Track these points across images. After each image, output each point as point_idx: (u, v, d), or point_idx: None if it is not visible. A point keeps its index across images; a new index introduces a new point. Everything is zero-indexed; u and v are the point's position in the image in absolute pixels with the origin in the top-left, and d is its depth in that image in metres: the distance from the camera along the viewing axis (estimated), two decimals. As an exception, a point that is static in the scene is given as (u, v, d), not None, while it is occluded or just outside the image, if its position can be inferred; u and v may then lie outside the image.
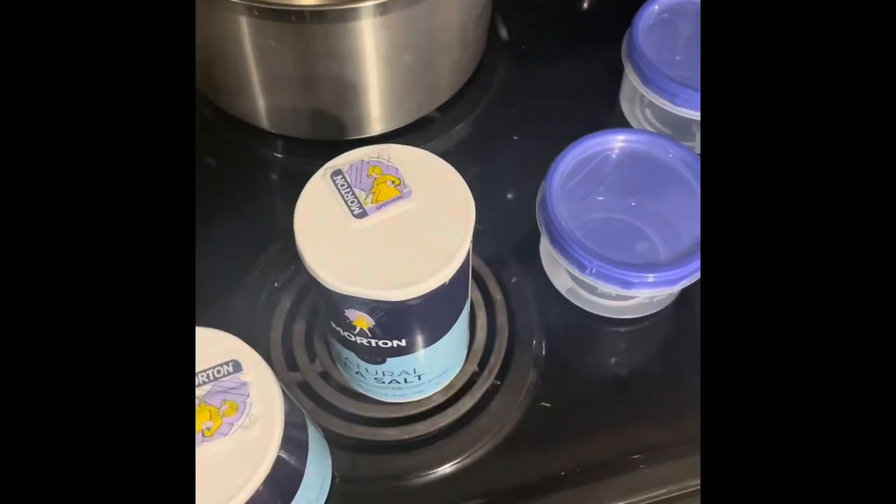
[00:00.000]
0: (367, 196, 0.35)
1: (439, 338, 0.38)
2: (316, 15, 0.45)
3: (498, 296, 0.48)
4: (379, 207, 0.34)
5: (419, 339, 0.37)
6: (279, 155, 0.56)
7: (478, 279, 0.48)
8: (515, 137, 0.56)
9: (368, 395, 0.43)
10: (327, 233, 0.34)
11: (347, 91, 0.50)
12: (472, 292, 0.47)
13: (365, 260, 0.33)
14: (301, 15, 0.45)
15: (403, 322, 0.35)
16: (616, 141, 0.48)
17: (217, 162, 0.55)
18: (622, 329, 0.48)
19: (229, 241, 0.52)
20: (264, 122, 0.53)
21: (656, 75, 0.50)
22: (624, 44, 0.53)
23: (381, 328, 0.35)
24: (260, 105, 0.52)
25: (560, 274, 0.48)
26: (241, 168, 0.56)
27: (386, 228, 0.34)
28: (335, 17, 0.45)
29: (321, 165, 0.55)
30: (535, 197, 0.47)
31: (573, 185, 0.47)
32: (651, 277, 0.43)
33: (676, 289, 0.44)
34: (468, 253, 0.35)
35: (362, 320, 0.35)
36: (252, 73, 0.49)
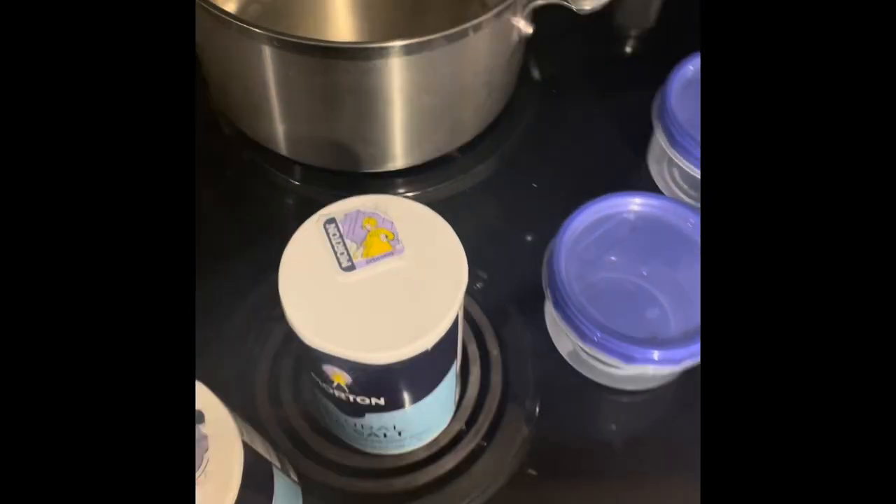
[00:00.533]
0: (359, 248, 0.33)
1: (422, 398, 0.36)
2: (339, 52, 0.44)
3: (495, 351, 0.46)
4: (369, 262, 0.33)
5: (400, 398, 0.36)
6: (296, 182, 0.55)
7: (476, 331, 0.47)
8: (535, 185, 0.55)
9: (348, 442, 0.42)
10: (312, 283, 0.33)
11: (366, 126, 0.49)
12: (469, 345, 0.46)
13: (347, 317, 0.32)
14: (325, 51, 0.44)
15: (383, 383, 0.34)
16: (634, 204, 0.46)
17: (232, 183, 0.55)
18: (623, 399, 0.46)
19: (231, 266, 0.51)
20: (282, 148, 0.53)
21: (685, 138, 0.48)
22: (655, 101, 0.52)
23: (360, 386, 0.34)
24: (278, 131, 0.51)
25: (563, 335, 0.47)
26: (256, 191, 0.55)
27: (373, 285, 0.33)
28: (357, 55, 0.44)
29: (336, 195, 0.55)
30: (546, 248, 0.45)
31: (585, 246, 0.45)
32: (656, 354, 0.41)
33: (680, 368, 0.42)
34: (456, 318, 0.34)
35: (340, 377, 0.33)
36: (272, 100, 0.48)
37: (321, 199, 0.56)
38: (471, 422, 0.44)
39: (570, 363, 0.46)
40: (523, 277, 0.49)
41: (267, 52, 0.45)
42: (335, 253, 0.33)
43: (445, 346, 0.34)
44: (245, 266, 0.51)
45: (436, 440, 0.43)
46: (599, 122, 0.58)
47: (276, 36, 0.43)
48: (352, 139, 0.50)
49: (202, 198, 0.53)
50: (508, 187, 0.56)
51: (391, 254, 0.33)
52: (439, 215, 0.35)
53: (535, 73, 0.61)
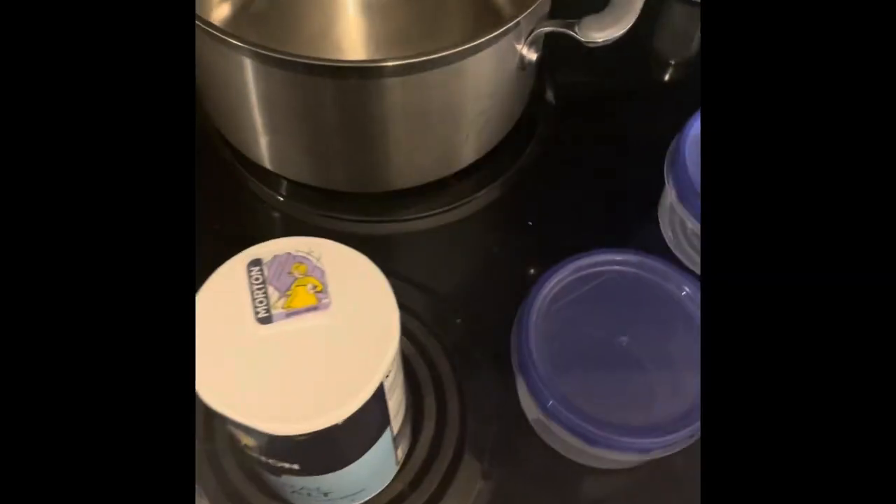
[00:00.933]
0: (281, 298, 0.30)
1: (344, 466, 0.33)
2: (321, 69, 0.40)
3: (453, 403, 0.42)
4: (289, 315, 0.29)
5: (316, 466, 0.32)
6: (280, 197, 0.52)
7: (437, 381, 0.43)
8: (530, 223, 0.51)
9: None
10: (220, 333, 0.29)
11: (350, 145, 0.46)
12: (426, 397, 0.42)
13: (251, 377, 0.28)
14: (308, 67, 0.40)
15: (293, 451, 0.30)
16: (625, 263, 0.41)
17: (213, 193, 0.52)
18: (590, 476, 0.42)
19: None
20: (266, 161, 0.50)
21: (692, 194, 0.43)
22: (669, 150, 0.47)
23: (269, 451, 0.30)
24: (262, 144, 0.48)
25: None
26: (238, 203, 0.52)
27: (288, 343, 0.29)
28: (340, 74, 0.41)
29: (321, 214, 0.51)
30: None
31: (566, 303, 0.41)
32: (620, 439, 0.36)
33: (648, 458, 0.37)
34: (381, 388, 0.30)
35: (248, 440, 0.30)
36: (254, 113, 0.45)
37: (305, 217, 0.54)
38: (415, 483, 0.40)
39: (537, 431, 0.42)
40: (500, 326, 0.45)
41: (248, 64, 0.42)
42: (253, 301, 0.30)
43: (367, 417, 0.30)
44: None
45: (374, 499, 0.39)
46: (614, 161, 0.54)
47: (256, 50, 0.40)
48: (336, 158, 0.47)
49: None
50: (501, 222, 0.52)
51: (315, 308, 0.30)
52: (380, 270, 0.31)
53: (550, 97, 0.57)
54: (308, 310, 0.30)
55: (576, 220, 0.51)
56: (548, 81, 0.58)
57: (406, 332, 0.44)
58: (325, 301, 0.30)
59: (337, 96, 0.42)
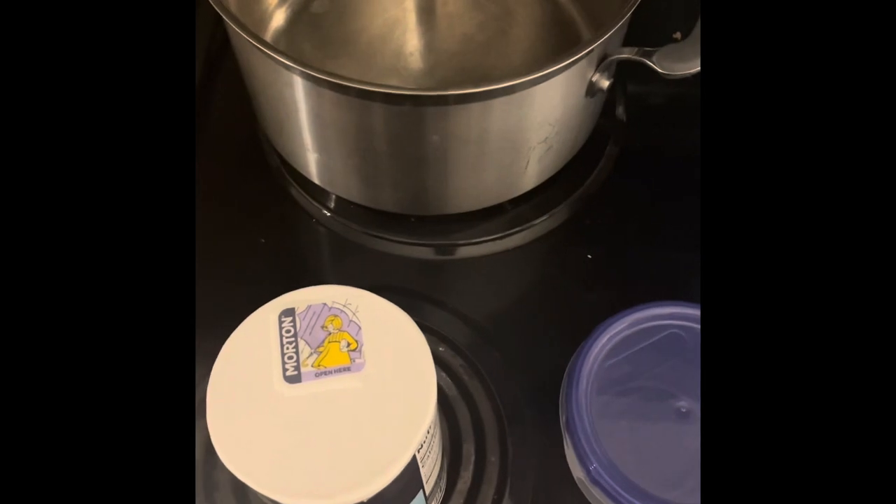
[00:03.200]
0: (311, 355, 0.28)
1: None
2: (374, 95, 0.38)
3: (493, 458, 0.40)
4: (319, 375, 0.27)
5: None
6: (327, 213, 0.50)
7: (477, 427, 0.40)
8: (589, 256, 0.47)
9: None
10: (246, 390, 0.27)
11: (400, 169, 0.43)
12: (465, 443, 0.40)
13: (276, 441, 0.26)
14: (361, 92, 0.38)
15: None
16: (691, 318, 0.38)
17: (258, 204, 0.50)
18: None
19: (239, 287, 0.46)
20: (314, 176, 0.48)
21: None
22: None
23: (290, 514, 0.29)
24: (311, 160, 0.46)
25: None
26: (285, 215, 0.50)
27: (318, 405, 0.27)
28: (394, 100, 0.38)
29: (368, 233, 0.48)
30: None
31: (620, 360, 0.38)
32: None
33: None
34: (413, 460, 0.27)
35: (267, 500, 0.28)
36: (304, 129, 0.43)
37: (352, 235, 0.51)
38: (447, 540, 0.38)
39: (581, 491, 0.39)
40: (550, 370, 0.42)
41: (298, 82, 0.39)
42: (283, 355, 0.28)
43: (397, 487, 0.28)
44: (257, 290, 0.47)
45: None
46: (688, 200, 0.50)
47: (307, 71, 0.37)
48: (386, 180, 0.44)
49: (224, 215, 0.49)
50: (557, 254, 0.48)
51: (348, 369, 0.27)
52: (419, 330, 0.29)
53: (620, 110, 0.53)
54: (340, 370, 0.27)
55: (638, 260, 0.47)
56: (617, 99, 0.54)
57: (447, 368, 0.42)
58: (358, 361, 0.28)
59: (389, 120, 0.39)
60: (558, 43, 0.53)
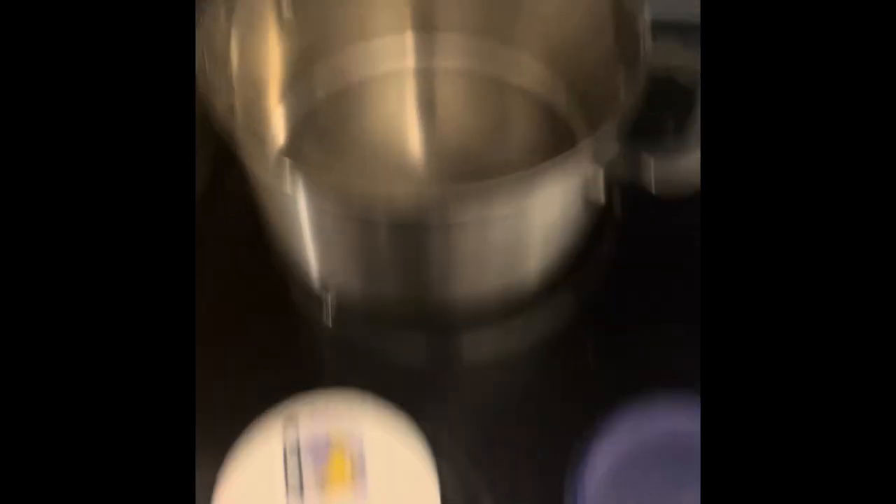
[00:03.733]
0: (314, 474, 0.27)
1: None
2: (378, 210, 0.39)
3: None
4: (321, 494, 0.27)
5: None
6: (328, 313, 0.49)
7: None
8: (590, 359, 0.47)
9: None
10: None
11: (406, 273, 0.44)
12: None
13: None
14: (363, 209, 0.39)
15: None
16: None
17: (260, 295, 0.51)
18: None
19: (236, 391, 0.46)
20: (314, 278, 0.48)
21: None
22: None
23: None
24: (310, 260, 0.47)
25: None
26: (284, 315, 0.50)
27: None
28: (400, 216, 0.39)
29: (372, 329, 0.46)
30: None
31: (621, 480, 0.37)
32: None
33: None
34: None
35: None
36: (304, 234, 0.44)
37: (354, 337, 0.50)
38: None
39: None
40: (547, 493, 0.40)
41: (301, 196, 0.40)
42: (286, 472, 0.27)
43: None
44: (259, 392, 0.46)
45: None
46: (687, 294, 0.48)
47: (303, 178, 0.38)
48: (387, 284, 0.45)
49: (224, 314, 0.49)
50: (558, 360, 0.48)
51: (351, 495, 0.27)
52: (426, 456, 0.28)
53: (617, 207, 0.53)
54: (341, 495, 0.27)
55: (641, 363, 0.47)
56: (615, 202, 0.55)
57: (450, 477, 0.41)
58: (361, 488, 0.27)
59: (390, 233, 0.40)
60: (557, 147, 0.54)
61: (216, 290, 0.49)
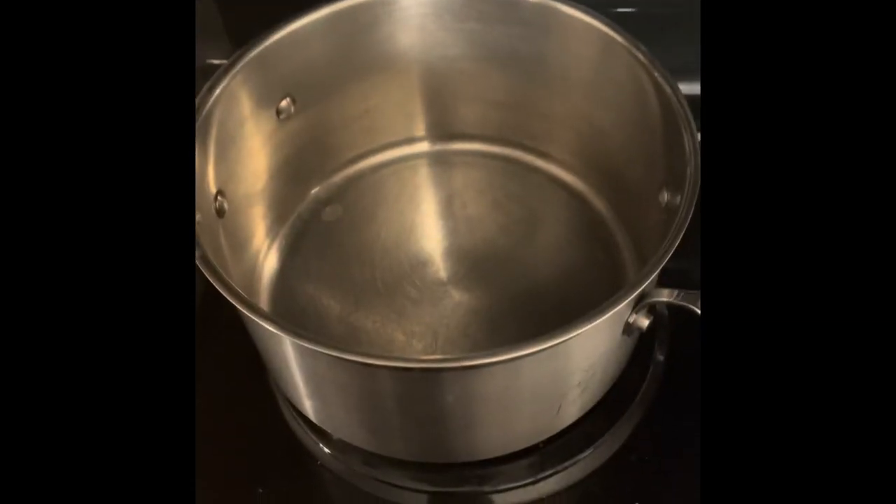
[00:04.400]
0: None
1: None
2: (374, 367, 0.33)
3: None
4: None
5: None
6: (326, 450, 0.44)
7: None
8: (638, 502, 0.41)
9: None
10: None
11: (409, 426, 0.38)
12: None
13: None
14: (360, 364, 0.33)
15: None
16: None
17: (251, 434, 0.45)
18: None
19: None
20: (312, 416, 0.42)
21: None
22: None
23: None
24: (307, 405, 0.41)
25: None
26: (282, 451, 0.44)
27: None
28: (398, 372, 0.33)
29: (372, 474, 0.41)
30: None
31: None
32: None
33: None
34: None
35: None
36: (299, 382, 0.38)
37: (357, 479, 0.43)
38: None
39: None
40: None
41: (291, 346, 0.35)
42: None
43: None
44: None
45: None
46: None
47: (300, 342, 0.32)
48: (395, 433, 0.39)
49: (220, 449, 0.44)
50: (599, 501, 0.42)
51: None
52: None
53: (660, 356, 0.47)
54: None
55: (690, 499, 0.41)
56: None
57: None
58: None
59: (396, 384, 0.34)
60: (588, 246, 0.48)
61: (212, 415, 0.45)
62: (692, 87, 0.44)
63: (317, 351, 0.32)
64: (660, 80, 0.40)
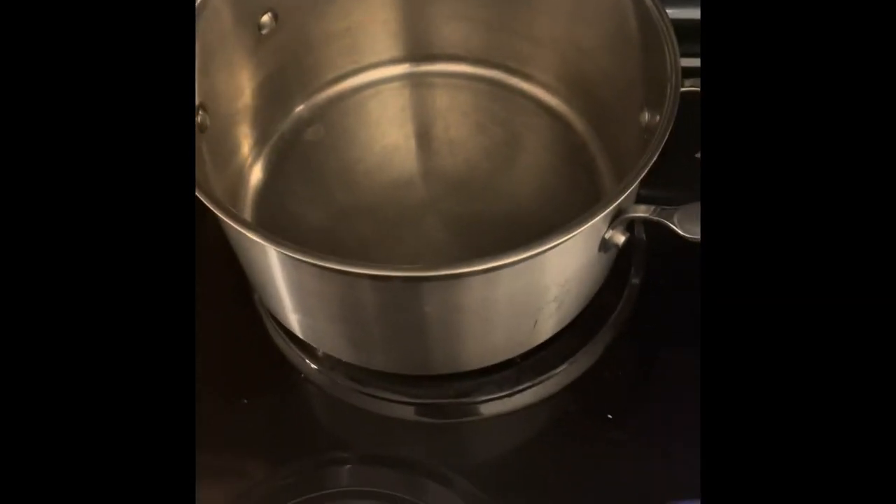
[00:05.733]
0: None
1: None
2: (356, 275, 0.34)
3: None
4: None
5: None
6: (314, 366, 0.45)
7: None
8: (610, 416, 0.42)
9: None
10: None
11: (391, 335, 0.39)
12: None
13: None
14: (346, 274, 0.33)
15: None
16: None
17: (239, 351, 0.46)
18: None
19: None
20: (299, 333, 0.43)
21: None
22: None
23: None
24: (292, 320, 0.42)
25: None
26: (269, 367, 0.45)
27: None
28: (379, 280, 0.34)
29: (358, 389, 0.43)
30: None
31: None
32: None
33: None
34: None
35: None
36: (284, 296, 0.39)
37: (343, 393, 0.44)
38: None
39: None
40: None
41: (274, 254, 0.36)
42: None
43: None
44: (239, 456, 0.42)
45: None
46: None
47: (284, 252, 0.33)
48: (379, 345, 0.40)
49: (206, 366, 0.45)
50: (573, 414, 0.43)
51: None
52: None
53: (636, 280, 0.48)
54: None
55: (662, 414, 0.43)
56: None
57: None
58: None
59: (377, 293, 0.35)
60: (570, 169, 0.49)
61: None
62: (677, 12, 0.44)
63: (300, 260, 0.33)
64: (645, -1, 0.40)
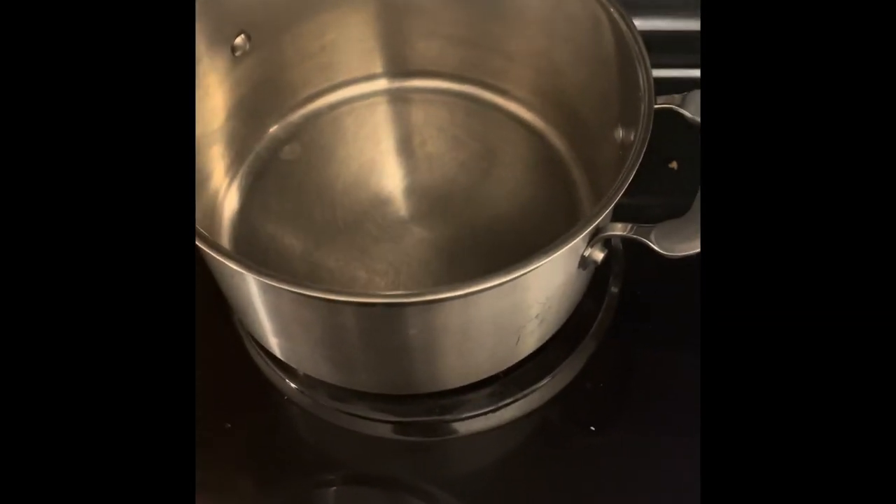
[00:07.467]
0: None
1: None
2: (335, 302, 0.34)
3: None
4: None
5: None
6: (293, 385, 0.45)
7: None
8: (592, 428, 0.43)
9: None
10: None
11: (371, 358, 0.39)
12: None
13: None
14: (322, 300, 0.33)
15: None
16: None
17: (218, 372, 0.46)
18: None
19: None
20: (278, 353, 0.43)
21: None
22: None
23: None
24: (272, 343, 0.42)
25: None
26: (249, 388, 0.45)
27: None
28: (360, 307, 0.34)
29: (337, 407, 0.43)
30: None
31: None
32: None
33: None
34: None
35: None
36: (263, 320, 0.39)
37: (324, 413, 0.44)
38: None
39: None
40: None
41: (253, 282, 0.35)
42: None
43: None
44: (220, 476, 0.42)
45: None
46: (689, 349, 0.45)
47: (262, 279, 0.33)
48: (360, 366, 0.40)
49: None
50: (555, 427, 0.44)
51: None
52: None
53: (614, 289, 0.48)
54: None
55: (642, 424, 0.43)
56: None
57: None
58: None
59: (360, 319, 0.35)
60: (547, 182, 0.49)
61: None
62: (647, 23, 0.45)
63: (281, 288, 0.33)
64: (615, 16, 0.41)
